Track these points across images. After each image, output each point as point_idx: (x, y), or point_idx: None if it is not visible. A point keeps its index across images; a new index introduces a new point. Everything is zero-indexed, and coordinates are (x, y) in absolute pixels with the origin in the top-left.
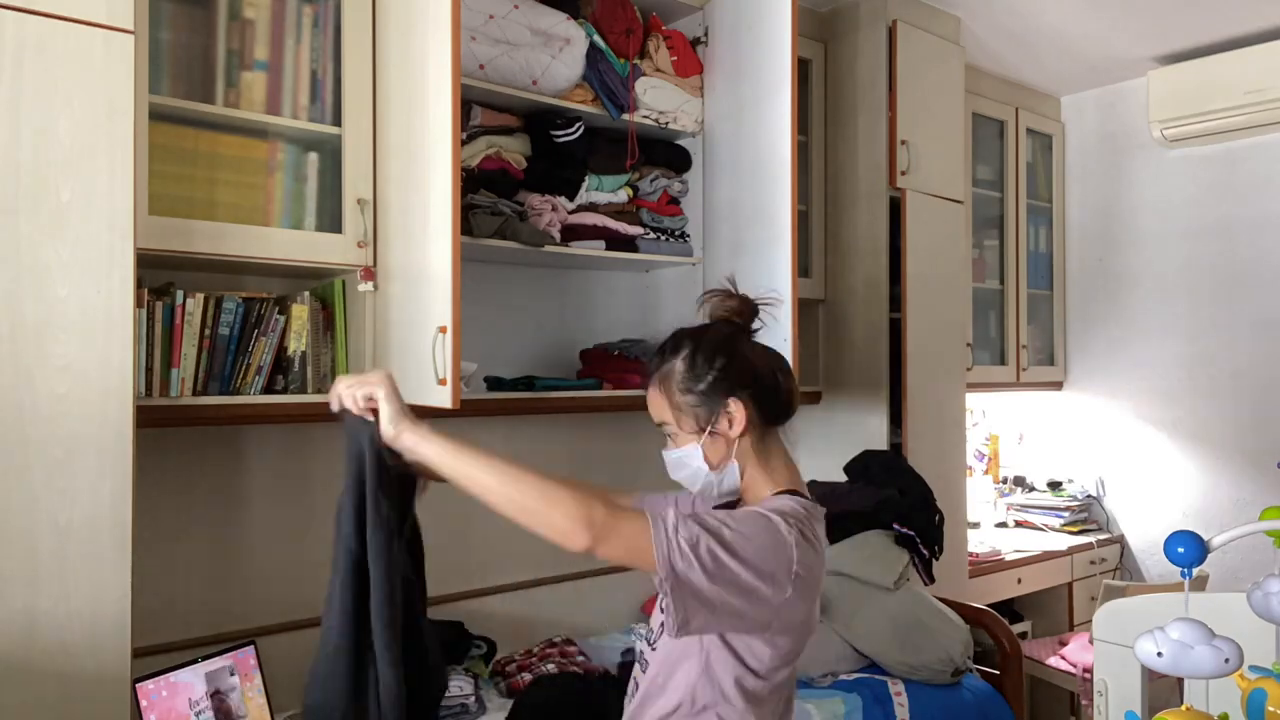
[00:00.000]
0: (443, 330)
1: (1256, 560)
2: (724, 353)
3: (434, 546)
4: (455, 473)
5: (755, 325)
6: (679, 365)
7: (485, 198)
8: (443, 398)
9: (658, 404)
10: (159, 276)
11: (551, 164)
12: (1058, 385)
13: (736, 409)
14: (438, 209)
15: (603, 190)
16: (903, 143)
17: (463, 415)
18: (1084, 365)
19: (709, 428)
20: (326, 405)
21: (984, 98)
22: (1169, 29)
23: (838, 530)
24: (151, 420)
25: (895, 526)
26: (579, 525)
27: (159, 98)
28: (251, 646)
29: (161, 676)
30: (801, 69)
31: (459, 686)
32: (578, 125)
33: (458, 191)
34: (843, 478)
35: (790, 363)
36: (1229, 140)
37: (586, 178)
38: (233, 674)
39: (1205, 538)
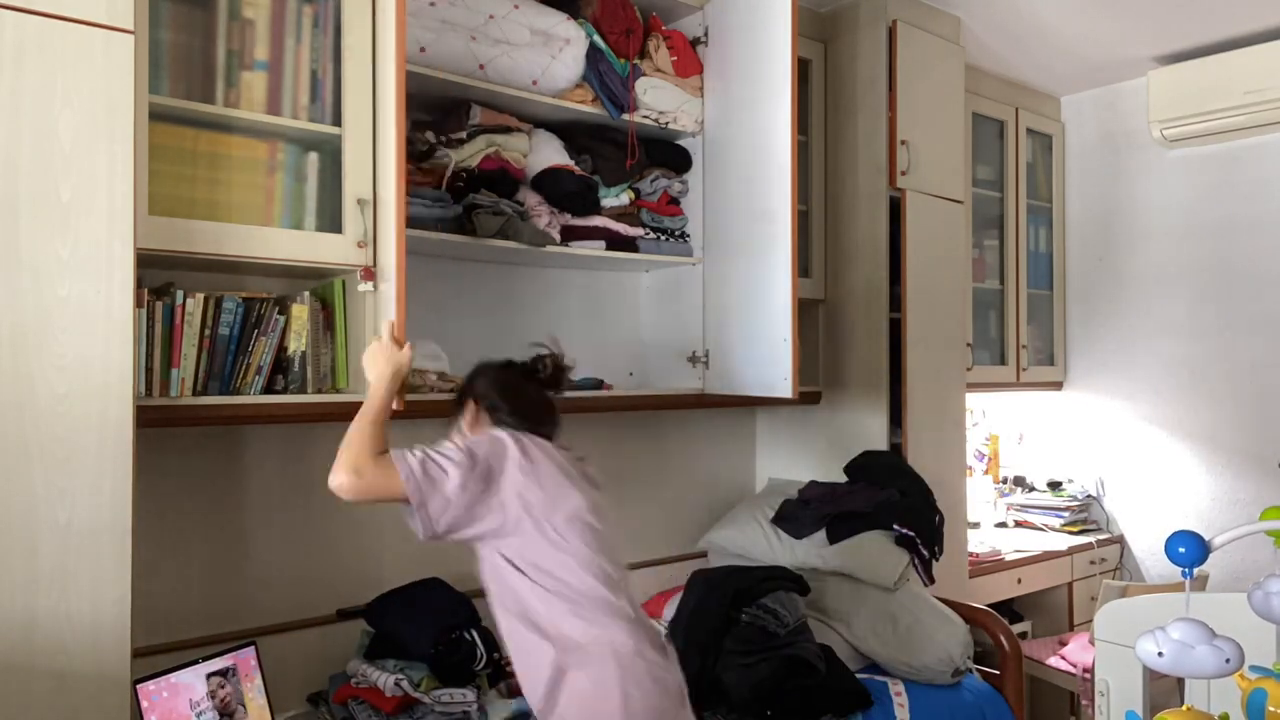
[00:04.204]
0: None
1: (1256, 560)
2: (480, 371)
3: (435, 549)
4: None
5: (559, 379)
6: (466, 379)
7: (487, 197)
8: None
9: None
10: (159, 276)
11: (567, 193)
12: (1058, 385)
13: (472, 407)
14: (395, 206)
15: (608, 197)
16: (903, 143)
17: None
18: (1084, 365)
19: (460, 418)
20: (326, 406)
21: (984, 98)
22: (1169, 29)
23: (838, 531)
24: (151, 420)
25: (895, 527)
26: (341, 472)
27: (159, 98)
28: (252, 647)
29: (162, 677)
30: (801, 69)
31: (462, 694)
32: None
33: (403, 189)
34: (843, 478)
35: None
36: (1229, 140)
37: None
38: (234, 674)
39: (1206, 538)
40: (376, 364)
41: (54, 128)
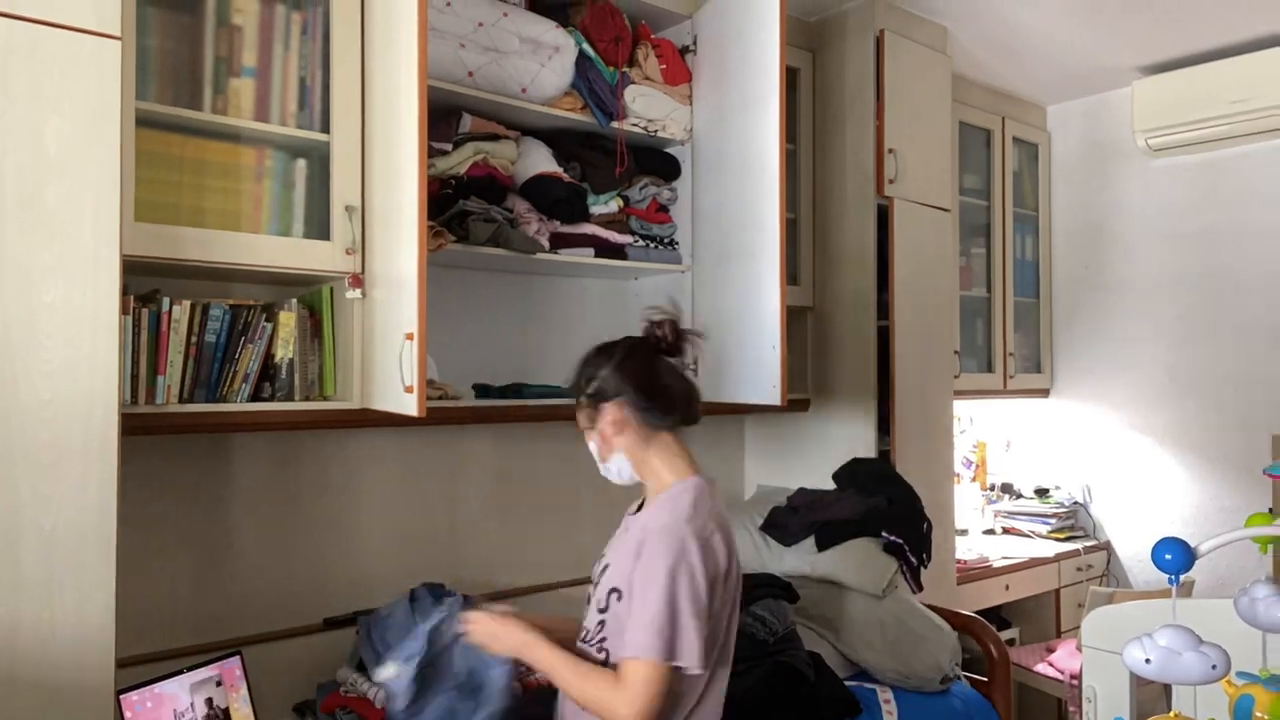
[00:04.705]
0: (409, 337)
1: (1241, 566)
2: (606, 364)
3: (433, 555)
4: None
5: (681, 346)
6: (582, 375)
7: (477, 204)
8: (409, 405)
9: (576, 411)
10: (145, 283)
11: (555, 200)
12: (1044, 392)
13: (614, 411)
14: (407, 214)
15: (597, 204)
16: (890, 151)
17: (453, 423)
18: (1070, 372)
19: (596, 425)
20: (314, 414)
21: (971, 107)
22: (1153, 40)
23: (826, 538)
24: (137, 428)
25: (884, 534)
26: (637, 711)
27: (146, 104)
28: (237, 656)
29: (146, 687)
30: (790, 77)
31: None
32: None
33: (424, 196)
34: (831, 485)
35: (684, 382)
36: (1212, 150)
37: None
38: (219, 684)
39: (1192, 544)
40: (503, 642)
41: (41, 134)
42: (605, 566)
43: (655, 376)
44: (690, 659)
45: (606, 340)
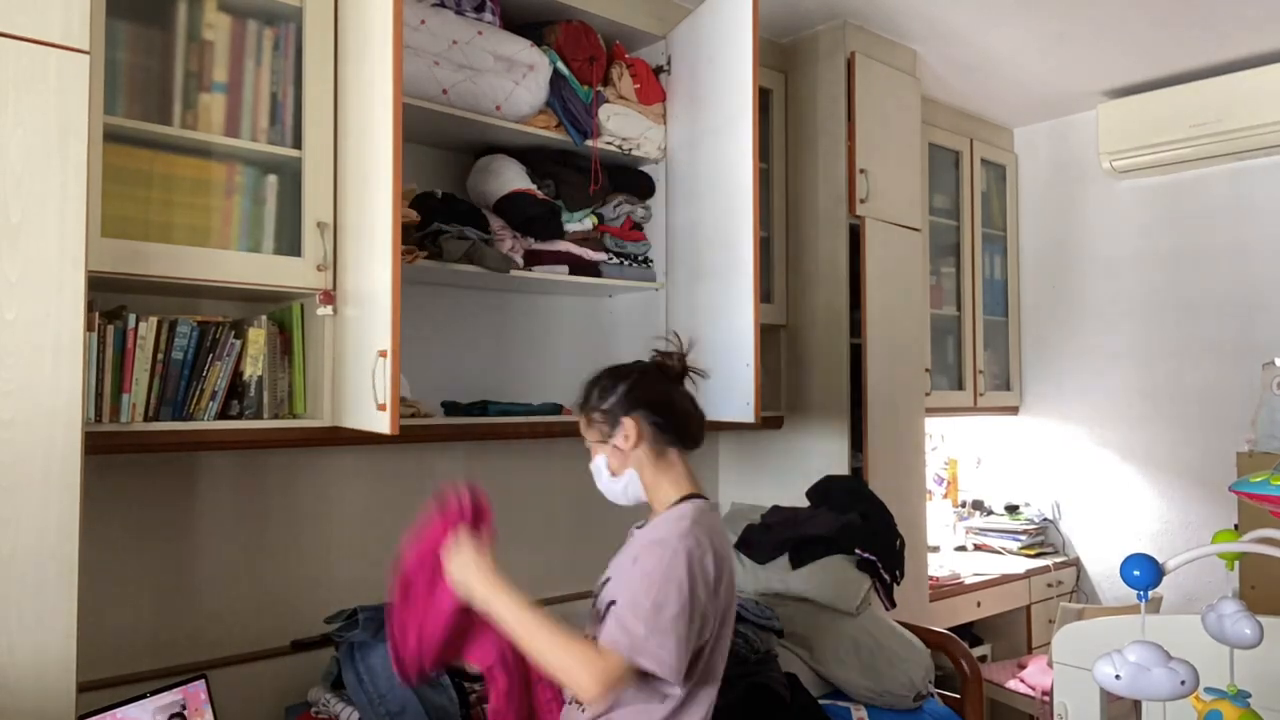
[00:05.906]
0: (382, 354)
1: (1208, 582)
2: (625, 381)
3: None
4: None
5: (688, 374)
6: (595, 391)
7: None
8: (382, 423)
9: (581, 423)
10: (112, 299)
11: (530, 218)
12: (1014, 410)
13: (630, 426)
14: (381, 230)
15: (571, 221)
16: (861, 171)
17: (421, 440)
18: (1039, 390)
19: (610, 440)
20: (283, 432)
21: (940, 129)
22: (1116, 65)
23: (800, 555)
24: (101, 447)
25: (857, 551)
26: (598, 689)
27: (114, 118)
28: (203, 680)
29: (108, 713)
30: (762, 98)
31: None
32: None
33: (398, 212)
34: (805, 502)
35: (694, 401)
36: (1175, 172)
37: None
38: (183, 709)
39: (1160, 560)
40: (474, 579)
41: (4, 148)
42: (606, 580)
43: (669, 397)
44: (654, 664)
45: (614, 364)
